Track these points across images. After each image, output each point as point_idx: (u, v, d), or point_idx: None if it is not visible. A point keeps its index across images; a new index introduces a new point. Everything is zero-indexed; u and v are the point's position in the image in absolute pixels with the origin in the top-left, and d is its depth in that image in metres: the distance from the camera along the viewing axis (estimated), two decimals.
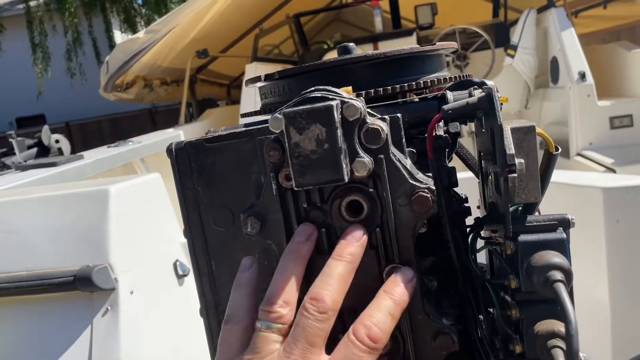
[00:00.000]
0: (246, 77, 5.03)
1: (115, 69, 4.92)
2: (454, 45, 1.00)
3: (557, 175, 2.18)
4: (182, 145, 0.84)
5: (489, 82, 0.87)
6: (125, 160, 3.27)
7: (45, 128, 3.80)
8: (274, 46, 6.91)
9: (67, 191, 1.76)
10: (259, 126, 0.82)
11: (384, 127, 0.71)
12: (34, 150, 3.88)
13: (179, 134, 4.04)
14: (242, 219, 0.78)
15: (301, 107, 0.67)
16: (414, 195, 0.71)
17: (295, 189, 0.69)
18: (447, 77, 0.92)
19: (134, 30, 13.40)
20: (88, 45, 13.82)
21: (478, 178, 1.01)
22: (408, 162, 0.74)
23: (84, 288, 1.59)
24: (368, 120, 0.71)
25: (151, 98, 6.23)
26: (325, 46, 6.74)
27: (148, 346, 1.66)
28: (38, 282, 1.60)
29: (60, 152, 3.73)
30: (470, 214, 0.91)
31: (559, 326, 0.67)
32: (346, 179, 0.68)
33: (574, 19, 5.59)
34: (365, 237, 0.72)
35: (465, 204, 0.89)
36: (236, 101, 6.65)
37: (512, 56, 4.66)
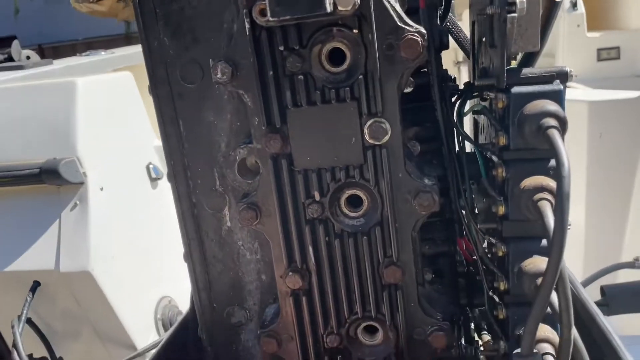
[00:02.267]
0: None
1: None
2: None
3: None
4: None
5: None
6: (95, 70, 3.11)
7: (16, 42, 3.58)
8: None
9: (33, 82, 1.66)
10: None
11: None
12: (4, 65, 3.68)
13: None
14: (211, 65, 0.71)
15: None
16: (403, 39, 0.65)
17: (271, 19, 0.62)
18: None
19: None
20: None
21: (468, 57, 0.94)
22: (398, 6, 0.67)
23: (50, 181, 1.52)
24: None
25: (126, 15, 5.91)
26: None
27: (117, 243, 1.62)
28: (3, 174, 1.52)
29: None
30: (457, 91, 0.85)
31: (547, 181, 0.63)
32: (329, 9, 0.60)
33: None
34: None
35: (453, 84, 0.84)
36: None
37: None
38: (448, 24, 0.89)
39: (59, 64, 2.86)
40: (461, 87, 0.84)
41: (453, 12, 0.92)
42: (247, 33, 0.66)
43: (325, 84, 0.68)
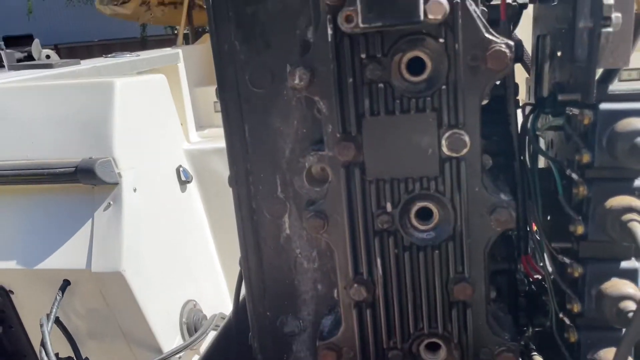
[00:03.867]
0: None
1: None
2: None
3: None
4: None
5: None
6: (121, 72, 3.12)
7: (36, 42, 3.61)
8: None
9: (71, 81, 1.65)
10: None
11: None
12: (31, 63, 3.70)
13: (178, 52, 3.87)
14: (288, 71, 0.70)
15: None
16: (490, 50, 0.64)
17: (361, 27, 0.61)
18: None
19: None
20: None
21: (529, 74, 0.93)
22: (483, 17, 0.66)
23: (86, 181, 1.51)
24: None
25: (147, 18, 5.94)
26: None
27: (149, 245, 1.61)
28: (37, 172, 1.52)
29: None
30: (519, 106, 0.84)
31: (636, 202, 0.62)
32: (422, 18, 0.59)
33: None
34: None
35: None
36: None
37: None
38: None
39: (86, 64, 2.87)
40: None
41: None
42: (330, 39, 0.65)
43: (405, 93, 0.67)
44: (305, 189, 0.75)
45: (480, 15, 0.64)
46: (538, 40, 0.87)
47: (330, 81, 0.67)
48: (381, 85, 0.66)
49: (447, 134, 0.66)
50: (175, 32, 6.54)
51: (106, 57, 3.35)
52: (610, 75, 0.67)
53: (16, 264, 1.54)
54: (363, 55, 0.66)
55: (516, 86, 0.79)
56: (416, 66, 0.67)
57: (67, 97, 1.61)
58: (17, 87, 1.68)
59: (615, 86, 0.66)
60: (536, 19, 0.89)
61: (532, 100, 0.89)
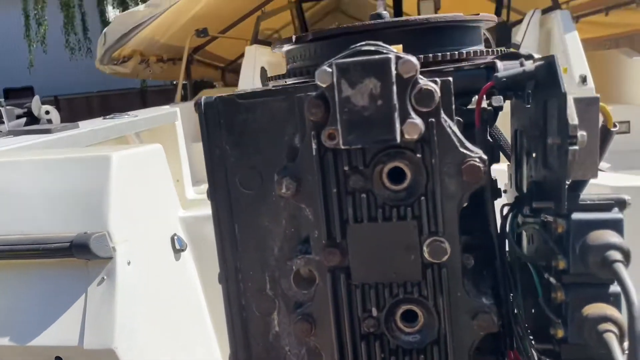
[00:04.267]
0: (246, 58, 4.94)
1: (112, 41, 4.80)
2: (494, 18, 0.96)
3: None
4: (212, 100, 0.79)
5: (536, 55, 0.83)
6: (120, 133, 3.18)
7: (36, 98, 3.69)
8: (274, 30, 6.82)
9: (67, 155, 1.69)
10: (297, 84, 0.78)
11: (437, 89, 0.67)
12: (23, 120, 3.77)
13: (176, 110, 3.96)
14: (276, 180, 0.73)
15: (355, 59, 0.63)
16: (465, 164, 0.67)
17: (342, 147, 0.65)
18: (490, 50, 0.88)
19: (126, 7, 13.16)
20: (78, 19, 13.56)
21: (509, 161, 0.97)
22: (457, 130, 0.70)
23: (80, 255, 1.52)
24: (420, 81, 0.66)
25: (146, 74, 6.10)
26: None
27: (142, 319, 1.61)
28: (33, 247, 1.53)
29: (49, 123, 3.62)
30: (501, 196, 0.87)
31: (611, 310, 0.64)
32: (398, 139, 0.63)
33: (575, 23, 5.58)
34: None
35: (497, 186, 0.86)
36: (231, 84, 6.55)
37: None
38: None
39: (85, 127, 2.93)
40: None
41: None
42: (314, 153, 0.69)
43: (387, 201, 0.70)
44: (293, 291, 0.77)
45: (455, 130, 0.68)
46: (516, 133, 0.91)
47: (315, 191, 0.70)
48: (364, 195, 0.70)
49: (427, 241, 0.69)
50: (174, 83, 6.69)
51: (105, 119, 3.42)
52: (581, 185, 0.70)
53: (8, 340, 1.53)
54: (346, 168, 0.69)
55: (495, 186, 0.83)
56: (397, 175, 0.71)
57: (64, 172, 1.65)
58: (12, 162, 1.71)
59: (588, 195, 0.69)
60: (513, 113, 0.94)
61: (512, 189, 0.93)
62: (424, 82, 0.66)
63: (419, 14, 6.24)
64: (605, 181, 2.03)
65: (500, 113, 0.87)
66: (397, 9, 6.58)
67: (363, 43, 0.66)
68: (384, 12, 0.90)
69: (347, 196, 0.70)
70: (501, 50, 0.87)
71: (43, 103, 3.98)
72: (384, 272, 0.71)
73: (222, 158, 0.79)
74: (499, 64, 0.78)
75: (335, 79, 0.63)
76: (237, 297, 0.82)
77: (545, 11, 4.98)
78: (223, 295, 0.83)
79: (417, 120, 0.65)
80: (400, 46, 0.70)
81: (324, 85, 0.65)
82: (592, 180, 2.25)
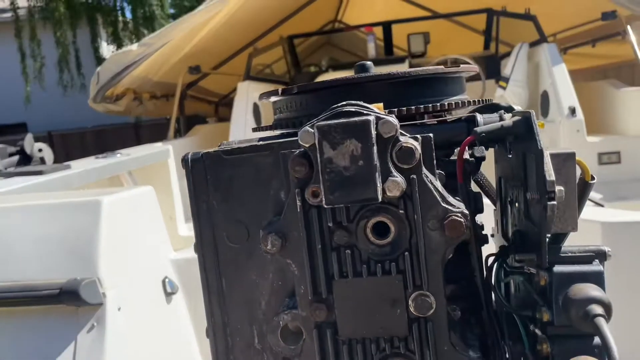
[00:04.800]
0: (238, 94, 5.00)
1: (106, 80, 4.86)
2: (475, 68, 0.98)
3: None
4: (198, 156, 0.80)
5: (518, 107, 0.85)
6: (113, 172, 3.19)
7: (29, 136, 3.71)
8: (266, 66, 6.92)
9: (57, 200, 1.69)
10: (281, 140, 0.79)
11: (417, 146, 0.68)
12: (15, 158, 3.77)
13: (168, 148, 3.98)
14: (261, 236, 0.74)
15: (336, 121, 0.64)
16: (447, 220, 0.68)
17: (325, 206, 0.66)
18: (470, 100, 0.90)
19: (120, 44, 13.36)
20: (72, 56, 13.71)
21: (495, 206, 0.98)
22: (439, 185, 0.71)
23: (70, 302, 1.52)
24: (401, 139, 0.68)
25: (140, 111, 6.15)
26: (317, 69, 6.76)
27: None
28: (22, 294, 1.52)
29: (42, 161, 3.63)
30: (488, 242, 0.88)
31: None
32: (380, 198, 0.64)
33: (562, 55, 5.70)
34: None
35: (483, 232, 0.87)
36: (224, 119, 6.61)
37: (504, 88, 4.71)
38: (478, 175, 0.94)
39: (77, 167, 2.93)
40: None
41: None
42: (299, 210, 0.69)
43: (371, 256, 0.71)
44: (280, 347, 0.77)
45: (436, 185, 0.69)
46: (500, 180, 0.93)
47: (300, 247, 0.71)
48: (348, 250, 0.70)
49: (412, 296, 0.70)
50: (168, 118, 6.74)
51: (97, 158, 3.43)
52: (562, 236, 0.71)
53: None
54: (330, 224, 0.70)
55: (479, 233, 0.84)
56: (381, 229, 0.72)
57: (53, 217, 1.65)
58: (2, 208, 1.71)
59: (569, 247, 0.70)
60: (496, 160, 0.95)
61: (499, 235, 0.93)
62: (404, 139, 0.68)
63: (408, 47, 6.36)
64: (595, 216, 2.05)
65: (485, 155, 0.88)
66: (387, 43, 6.71)
67: (344, 103, 0.68)
68: (369, 63, 0.93)
69: (332, 252, 0.71)
70: (481, 101, 0.89)
71: (36, 140, 3.99)
72: (370, 327, 0.71)
73: (209, 213, 0.80)
74: (479, 118, 0.79)
75: (317, 141, 0.64)
76: (225, 352, 0.82)
77: (533, 44, 5.09)
78: (211, 350, 0.82)
79: (399, 178, 0.66)
80: (382, 104, 0.71)
81: (306, 145, 0.66)
82: (583, 216, 2.25)
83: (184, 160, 0.80)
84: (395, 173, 0.66)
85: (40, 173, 2.67)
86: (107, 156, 3.40)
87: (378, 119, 0.65)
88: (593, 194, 4.00)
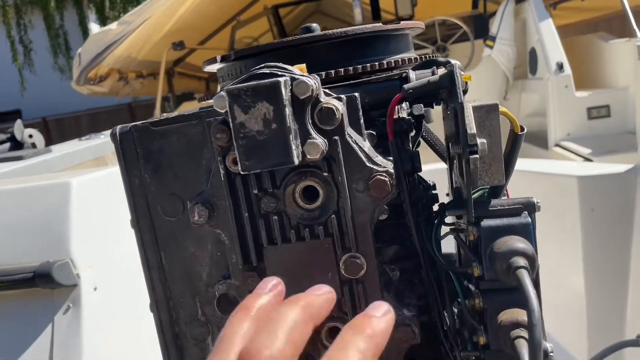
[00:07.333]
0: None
1: (87, 61, 4.79)
2: (420, 25, 0.95)
3: (534, 165, 2.16)
4: (126, 129, 0.79)
5: (453, 60, 0.82)
6: (96, 154, 3.18)
7: (18, 122, 3.68)
8: (253, 39, 6.83)
9: (26, 184, 1.68)
10: (209, 108, 0.77)
11: (340, 106, 0.66)
12: (7, 145, 3.76)
13: None
14: (189, 207, 0.73)
15: (246, 84, 0.62)
16: (371, 180, 0.67)
17: (242, 173, 0.64)
18: (412, 58, 0.88)
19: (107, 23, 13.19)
20: (62, 39, 13.57)
21: (446, 164, 0.97)
22: (366, 145, 0.69)
23: (44, 285, 1.52)
24: (322, 100, 0.66)
25: (127, 92, 6.09)
26: None
27: (112, 345, 1.60)
28: None
29: (33, 147, 3.62)
30: (437, 201, 0.87)
31: (523, 315, 0.64)
32: (296, 161, 0.63)
33: (552, 10, 5.59)
34: (332, 294, 0.62)
35: (433, 191, 0.85)
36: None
37: (491, 47, 4.64)
38: (424, 134, 0.92)
39: (57, 151, 2.92)
40: None
41: (428, 119, 0.95)
42: (223, 178, 0.68)
43: (300, 221, 0.70)
44: (217, 318, 0.77)
45: (362, 145, 0.68)
46: (446, 138, 0.91)
47: (228, 216, 0.70)
48: (275, 217, 0.69)
49: (343, 258, 0.69)
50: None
51: (80, 140, 3.41)
52: (495, 191, 0.70)
53: None
54: (256, 191, 0.69)
55: (421, 193, 0.82)
56: (311, 194, 0.70)
57: (24, 201, 1.64)
58: None
59: (499, 201, 0.69)
60: (443, 118, 0.94)
61: (451, 194, 0.92)
62: (326, 100, 0.66)
63: (395, 11, 6.26)
64: (572, 171, 2.03)
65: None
66: (375, 7, 6.60)
67: (262, 66, 0.66)
68: (314, 25, 0.90)
69: (260, 219, 0.70)
70: (420, 58, 0.87)
71: (32, 126, 3.97)
72: (303, 291, 0.70)
73: (142, 187, 0.79)
74: (412, 74, 0.77)
75: (228, 105, 0.62)
76: (169, 326, 0.82)
77: (519, 1, 4.99)
78: (155, 325, 0.82)
79: (319, 139, 0.65)
80: (304, 65, 0.69)
81: (221, 111, 0.64)
82: (562, 171, 2.27)
83: (112, 134, 0.78)
84: (315, 135, 0.65)
85: (20, 158, 2.66)
86: (90, 137, 3.38)
87: (293, 79, 0.63)
88: (582, 149, 3.98)
